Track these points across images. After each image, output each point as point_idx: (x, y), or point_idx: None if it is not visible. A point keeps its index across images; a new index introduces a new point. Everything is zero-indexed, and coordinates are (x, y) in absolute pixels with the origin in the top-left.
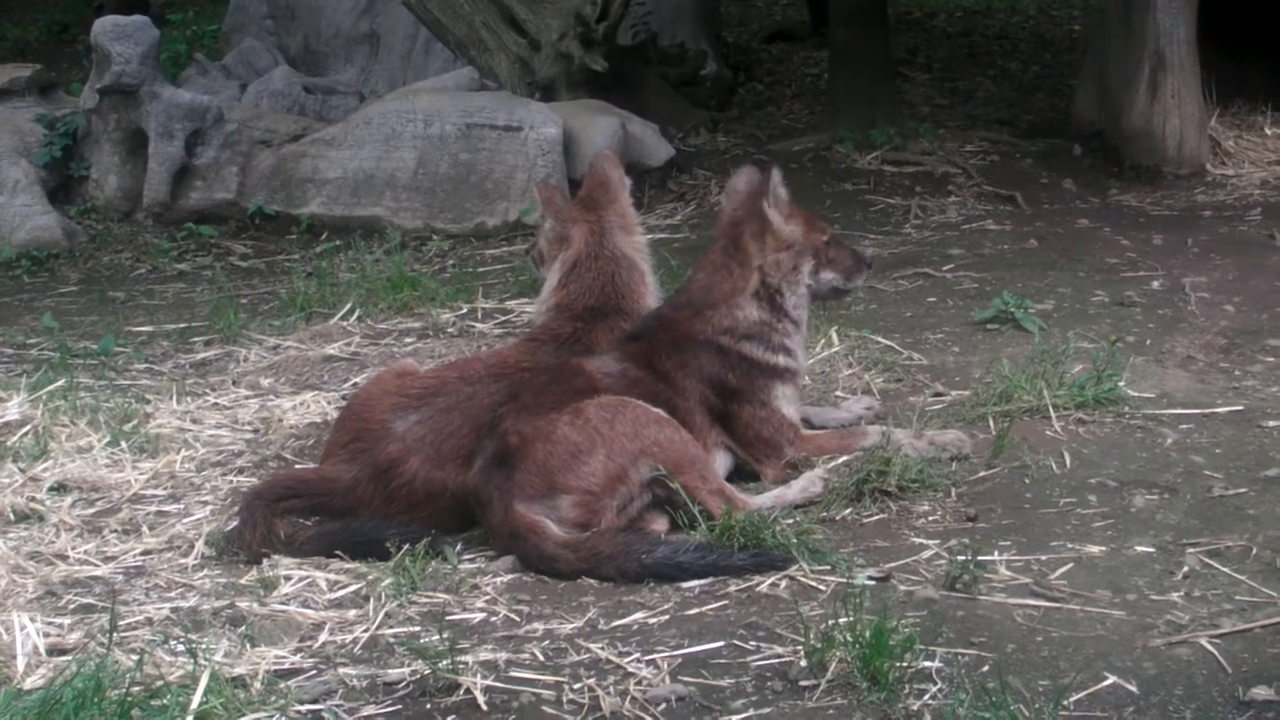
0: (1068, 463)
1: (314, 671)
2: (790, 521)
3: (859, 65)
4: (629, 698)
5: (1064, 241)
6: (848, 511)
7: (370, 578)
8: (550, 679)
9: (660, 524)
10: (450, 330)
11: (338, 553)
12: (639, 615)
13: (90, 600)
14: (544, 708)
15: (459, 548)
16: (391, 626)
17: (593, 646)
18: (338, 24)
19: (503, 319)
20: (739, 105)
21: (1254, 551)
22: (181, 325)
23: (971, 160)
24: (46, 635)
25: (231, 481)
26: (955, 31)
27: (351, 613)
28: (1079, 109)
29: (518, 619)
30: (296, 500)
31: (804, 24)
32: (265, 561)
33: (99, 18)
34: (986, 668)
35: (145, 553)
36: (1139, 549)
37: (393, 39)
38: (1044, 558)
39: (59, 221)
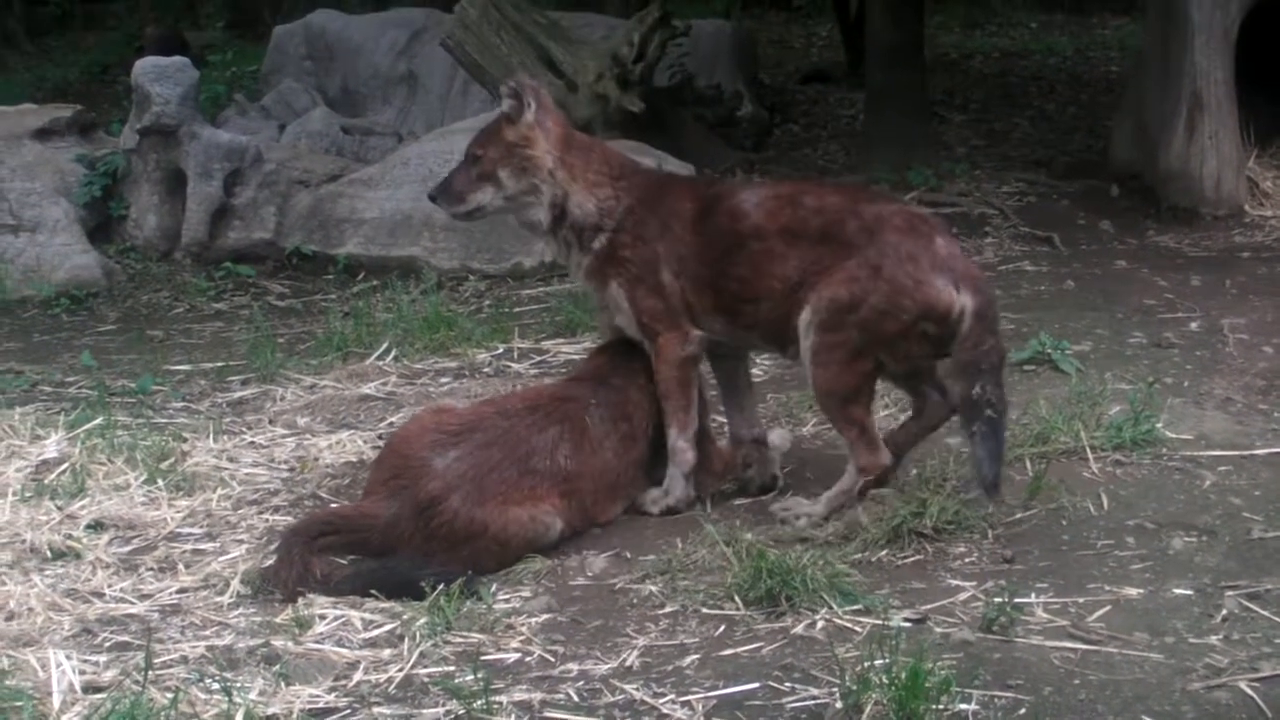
0: (1105, 504)
1: (348, 711)
2: (821, 562)
3: (895, 106)
4: None
5: (1101, 282)
6: (884, 553)
7: (405, 617)
8: None
9: None
10: (486, 370)
11: (372, 592)
12: (674, 656)
13: (126, 638)
14: None
15: (494, 588)
16: (426, 666)
17: (628, 687)
18: (376, 65)
19: (539, 359)
20: (775, 146)
21: None
22: (219, 364)
23: (1008, 201)
24: (82, 673)
25: (267, 520)
26: (991, 72)
27: (386, 652)
28: (1116, 150)
29: (552, 659)
30: (335, 537)
31: (840, 65)
32: (300, 600)
33: (139, 59)
34: (1023, 711)
35: (181, 591)
36: (1177, 591)
37: (430, 80)
38: (1081, 600)
39: (98, 260)
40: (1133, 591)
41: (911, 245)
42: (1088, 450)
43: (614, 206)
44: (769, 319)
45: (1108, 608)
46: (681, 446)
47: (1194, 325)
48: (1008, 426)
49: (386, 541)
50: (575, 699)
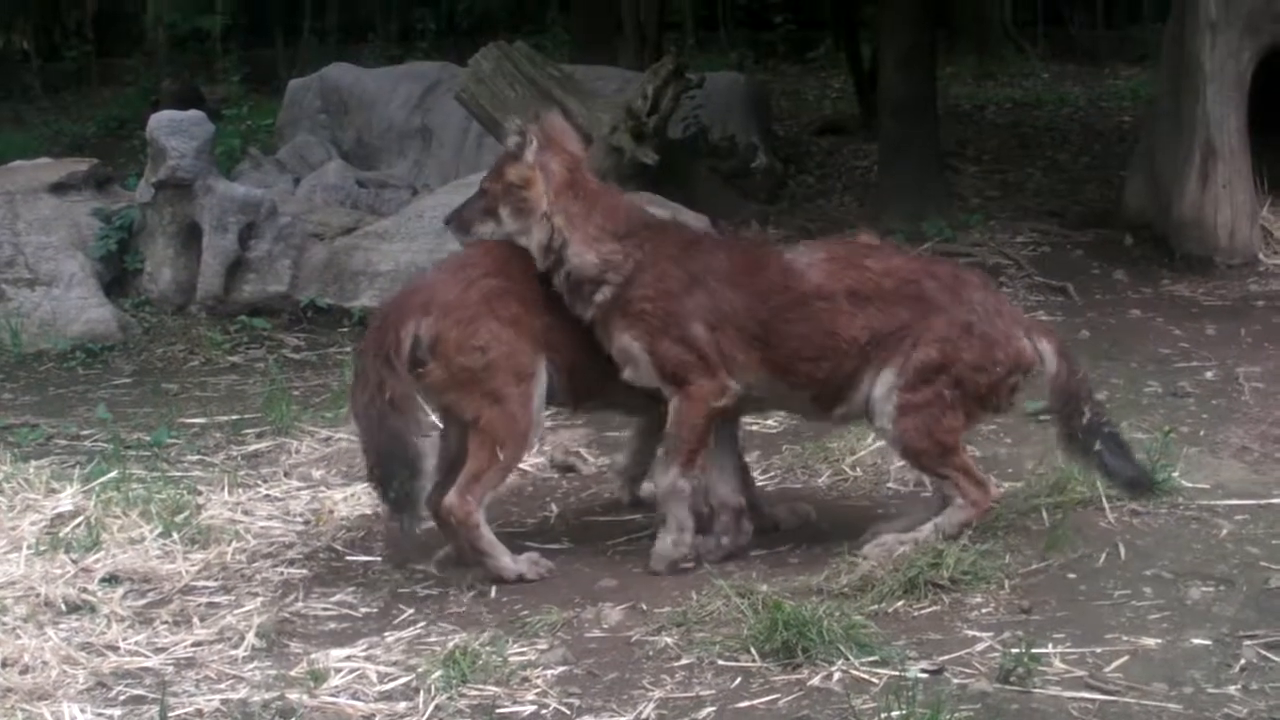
0: (1122, 554)
1: None
2: (837, 614)
3: (909, 157)
4: None
5: (1116, 332)
6: (900, 604)
7: (420, 669)
8: None
9: None
10: None
11: None
12: (690, 708)
13: (141, 691)
14: None
15: (509, 642)
16: (441, 719)
17: None
18: (390, 118)
19: (553, 410)
20: (789, 197)
21: None
22: (234, 417)
23: (1023, 251)
24: None
25: (282, 573)
26: (1004, 123)
27: (401, 705)
28: (1129, 199)
29: (568, 711)
30: None
31: (854, 117)
32: (314, 654)
33: (155, 113)
34: None
35: (196, 644)
36: (1195, 641)
37: (445, 133)
38: (1099, 650)
39: (114, 314)
40: (1150, 641)
41: (994, 301)
42: (1104, 500)
43: (620, 262)
44: (826, 379)
45: (1125, 658)
46: (681, 485)
47: (1209, 374)
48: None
49: None
50: None
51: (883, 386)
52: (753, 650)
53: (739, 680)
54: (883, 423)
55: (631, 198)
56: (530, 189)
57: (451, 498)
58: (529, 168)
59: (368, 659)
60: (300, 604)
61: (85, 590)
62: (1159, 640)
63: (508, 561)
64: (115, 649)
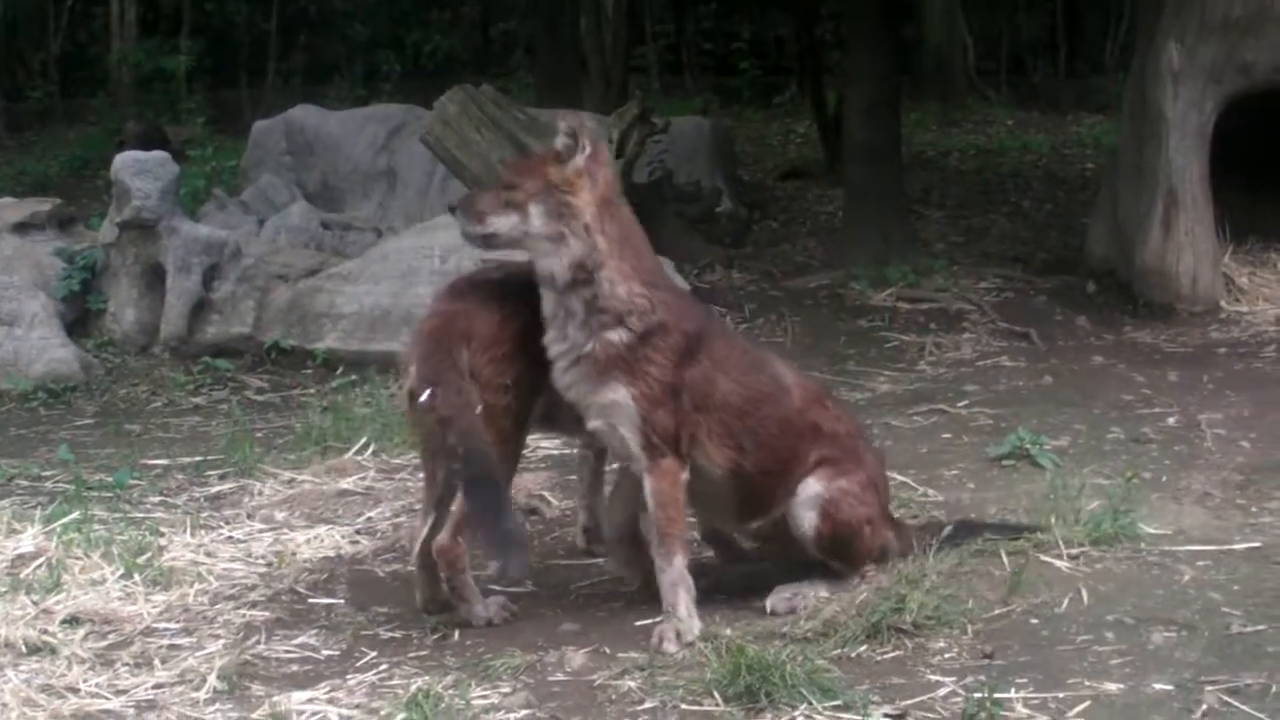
0: (1084, 599)
1: None
2: (800, 658)
3: (873, 203)
4: None
5: (1079, 378)
6: (863, 648)
7: (383, 713)
8: None
9: None
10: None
11: None
12: None
13: None
14: None
15: (471, 685)
16: None
17: None
18: (355, 160)
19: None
20: (754, 242)
21: (1273, 689)
22: (197, 458)
23: (986, 297)
24: None
25: (244, 615)
26: (968, 169)
27: None
28: (1092, 246)
29: None
30: None
31: (818, 162)
32: (276, 697)
33: (119, 153)
34: None
35: (157, 686)
36: (1157, 686)
37: (410, 175)
38: (1061, 695)
39: (76, 354)
40: (1113, 687)
41: None
42: (1065, 546)
43: (646, 309)
44: (763, 488)
45: (1088, 703)
46: (684, 571)
47: (1171, 420)
48: None
49: None
50: None
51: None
52: (716, 695)
53: None
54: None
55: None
56: (576, 195)
57: (444, 539)
58: (577, 172)
59: (330, 702)
60: (262, 646)
61: (46, 632)
62: (1121, 685)
63: (479, 609)
64: (76, 691)
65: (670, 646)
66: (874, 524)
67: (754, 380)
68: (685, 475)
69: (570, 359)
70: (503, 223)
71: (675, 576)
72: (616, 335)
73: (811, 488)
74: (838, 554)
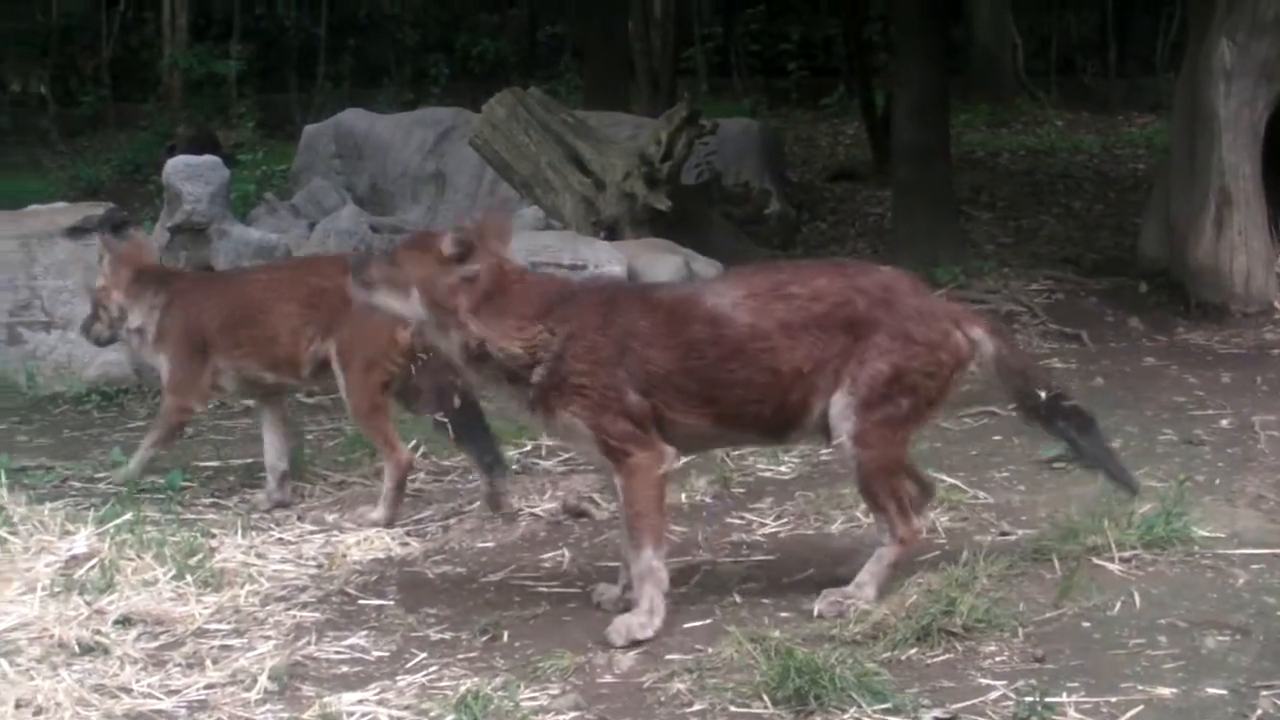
0: (1137, 603)
1: None
2: (850, 661)
3: (922, 203)
4: None
5: (1131, 380)
6: (913, 651)
7: (432, 714)
8: None
9: None
10: (514, 468)
11: None
12: None
13: None
14: None
15: (520, 686)
16: None
17: None
18: (405, 163)
19: (566, 456)
20: (803, 243)
21: None
22: (248, 460)
23: (1037, 298)
24: None
25: (295, 616)
26: (1018, 170)
27: None
28: (1144, 247)
29: None
30: None
31: (867, 163)
32: (326, 698)
33: (170, 158)
34: None
35: (208, 687)
36: (1211, 691)
37: (459, 178)
38: (1114, 699)
39: (129, 358)
40: (1165, 691)
41: (926, 303)
42: (1118, 548)
43: (548, 340)
44: (774, 415)
45: (1140, 707)
46: (656, 565)
47: (1225, 422)
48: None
49: None
50: None
51: (836, 411)
52: (765, 697)
53: None
54: (845, 446)
55: (541, 275)
56: (453, 298)
57: None
58: (455, 285)
59: (380, 703)
60: (313, 647)
61: (99, 632)
62: (1174, 690)
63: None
64: (128, 691)
65: (618, 640)
66: (918, 405)
67: (687, 334)
68: (664, 466)
69: (515, 408)
70: (388, 300)
71: (643, 569)
72: (535, 376)
73: (839, 402)
74: (873, 479)
